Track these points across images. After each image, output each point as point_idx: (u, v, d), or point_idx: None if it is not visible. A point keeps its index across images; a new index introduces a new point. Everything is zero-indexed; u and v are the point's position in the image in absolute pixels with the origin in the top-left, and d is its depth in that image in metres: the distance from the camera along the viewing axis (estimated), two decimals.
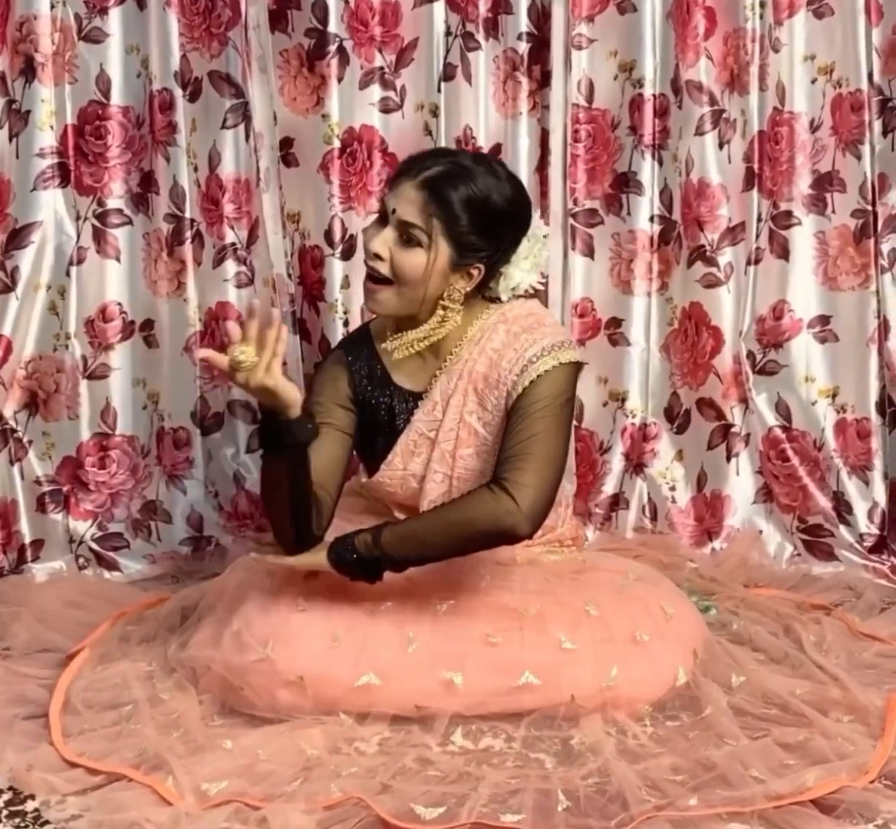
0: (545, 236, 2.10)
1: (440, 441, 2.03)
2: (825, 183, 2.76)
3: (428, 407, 2.05)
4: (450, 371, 2.03)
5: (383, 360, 2.08)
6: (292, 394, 1.77)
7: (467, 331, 2.03)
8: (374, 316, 2.15)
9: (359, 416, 2.08)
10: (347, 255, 2.80)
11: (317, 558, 1.86)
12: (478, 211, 1.92)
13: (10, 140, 2.64)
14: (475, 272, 1.97)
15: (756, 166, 2.77)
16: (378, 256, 1.94)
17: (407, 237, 1.92)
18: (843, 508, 2.74)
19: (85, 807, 1.56)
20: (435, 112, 2.78)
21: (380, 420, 2.08)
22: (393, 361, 2.05)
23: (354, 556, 1.83)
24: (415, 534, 1.85)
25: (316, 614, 1.83)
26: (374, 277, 1.96)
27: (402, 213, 1.91)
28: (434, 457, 2.03)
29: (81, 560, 2.67)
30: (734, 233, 2.78)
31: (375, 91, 2.79)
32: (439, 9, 2.76)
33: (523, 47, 2.77)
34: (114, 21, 2.69)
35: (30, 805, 1.58)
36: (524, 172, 2.77)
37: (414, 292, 1.95)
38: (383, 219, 1.96)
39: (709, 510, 2.83)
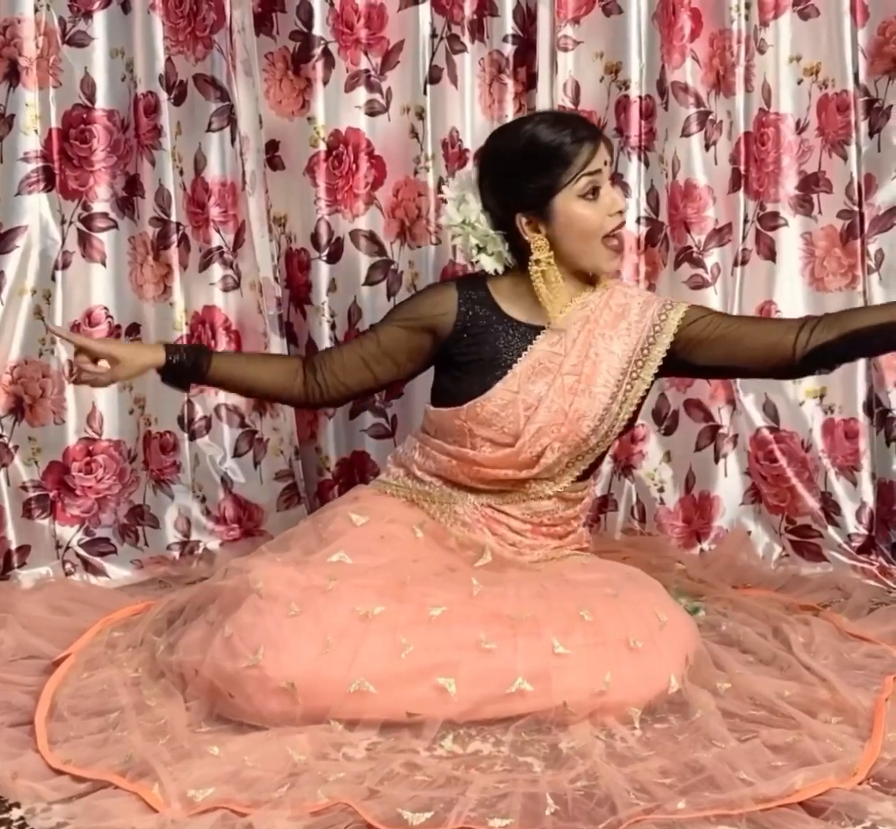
0: None
1: (564, 373, 2.09)
2: (811, 184, 2.77)
3: (553, 338, 2.12)
4: (572, 313, 2.12)
5: (495, 297, 2.16)
6: (141, 359, 2.13)
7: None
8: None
9: (449, 345, 2.15)
10: (333, 258, 2.80)
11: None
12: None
13: None
14: None
15: (742, 167, 2.78)
16: (621, 212, 2.10)
17: (614, 179, 2.22)
18: (831, 508, 2.75)
19: (71, 815, 1.55)
20: (421, 115, 2.78)
21: (485, 350, 2.13)
22: (506, 298, 2.14)
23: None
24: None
25: (307, 619, 1.81)
26: (619, 235, 2.11)
27: (608, 159, 2.09)
28: (553, 387, 2.09)
29: (68, 566, 2.66)
30: (721, 234, 2.78)
31: (361, 94, 2.79)
32: (425, 11, 2.76)
33: (509, 49, 2.77)
34: (98, 24, 2.69)
35: (15, 813, 1.57)
36: None
37: None
38: (592, 192, 2.05)
39: (697, 511, 2.83)
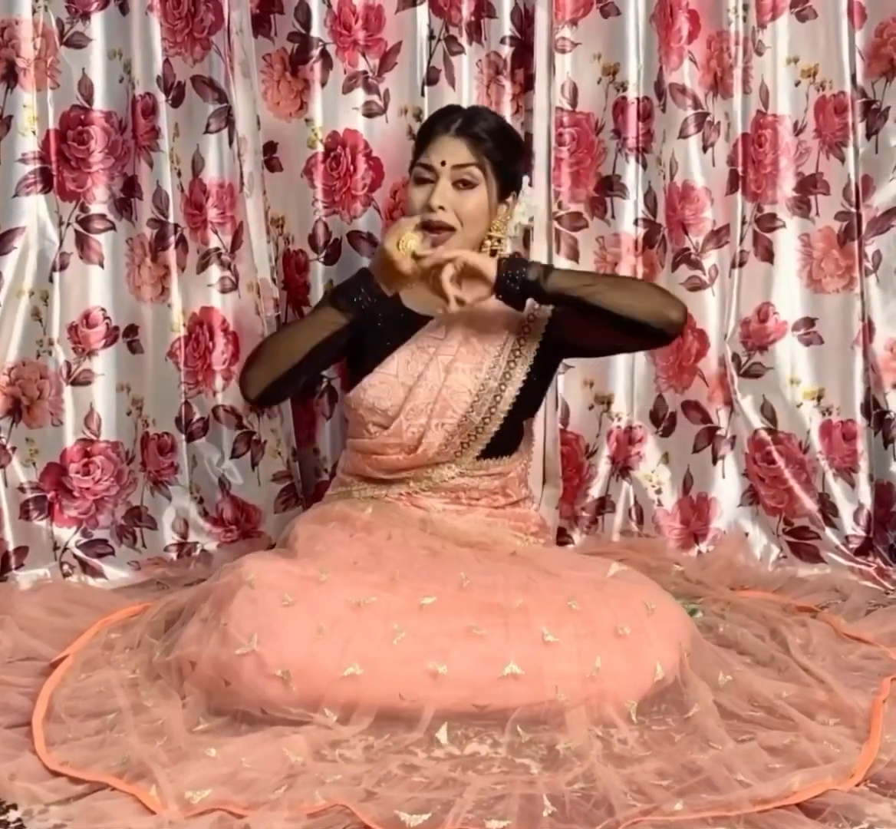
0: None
1: (439, 355, 2.23)
2: (809, 185, 2.77)
3: (433, 324, 2.26)
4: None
5: (403, 301, 2.30)
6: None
7: None
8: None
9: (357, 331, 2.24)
10: (331, 259, 2.80)
11: (486, 259, 2.13)
12: (505, 140, 2.27)
13: None
14: (510, 201, 2.28)
15: (740, 169, 2.78)
16: (442, 208, 2.18)
17: (463, 182, 2.20)
18: (828, 510, 2.75)
19: (68, 816, 1.55)
20: (419, 116, 2.77)
21: (379, 336, 2.25)
22: (412, 289, 2.25)
23: (523, 271, 2.09)
24: (587, 279, 2.15)
25: (301, 607, 1.83)
26: (437, 228, 2.18)
27: (454, 159, 2.19)
28: (430, 367, 2.22)
29: (66, 567, 2.66)
30: (718, 236, 2.78)
31: (359, 95, 2.79)
32: (423, 13, 2.76)
33: (507, 51, 2.78)
34: (96, 26, 2.68)
35: (12, 815, 1.56)
36: None
37: (475, 231, 2.23)
38: (424, 180, 2.21)
39: (695, 513, 2.83)
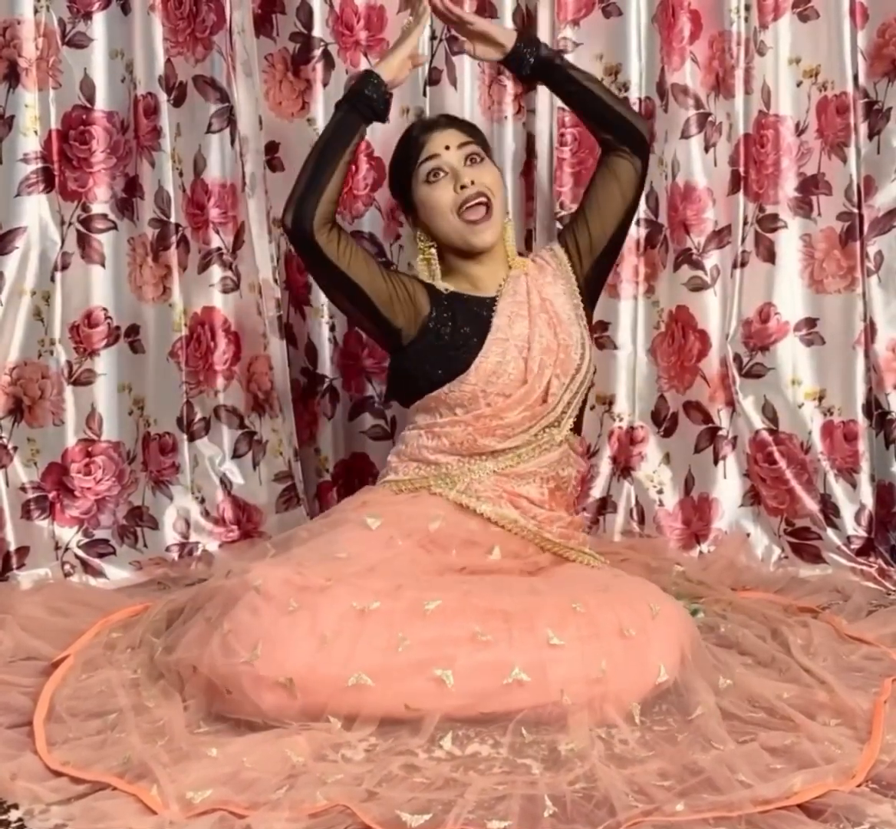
0: None
1: (536, 313, 2.25)
2: (811, 186, 2.77)
3: (509, 297, 2.27)
4: (512, 277, 2.29)
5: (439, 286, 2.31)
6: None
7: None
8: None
9: (423, 337, 2.25)
10: None
11: (502, 29, 2.32)
12: (480, 132, 2.35)
13: None
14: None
15: (742, 169, 2.78)
16: (472, 182, 2.20)
17: (473, 157, 2.24)
18: (830, 510, 2.74)
19: (69, 816, 1.55)
20: (421, 116, 2.78)
21: (459, 324, 2.24)
22: (456, 283, 2.30)
23: (537, 46, 2.26)
24: (583, 73, 2.32)
25: (304, 616, 1.82)
26: (484, 206, 2.22)
27: (456, 140, 2.24)
28: (536, 325, 2.24)
29: (67, 567, 2.66)
30: (720, 236, 2.78)
31: None
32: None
33: None
34: (98, 26, 2.69)
35: (13, 815, 1.56)
36: (510, 177, 2.78)
37: (502, 204, 2.28)
38: (435, 177, 2.22)
39: (696, 513, 2.83)
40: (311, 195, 2.15)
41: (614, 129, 2.30)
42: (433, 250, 2.28)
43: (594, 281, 2.37)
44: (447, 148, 2.22)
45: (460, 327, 2.24)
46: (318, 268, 2.24)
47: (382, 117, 2.22)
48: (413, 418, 2.29)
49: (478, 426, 2.20)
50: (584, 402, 2.32)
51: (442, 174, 2.22)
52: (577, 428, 2.31)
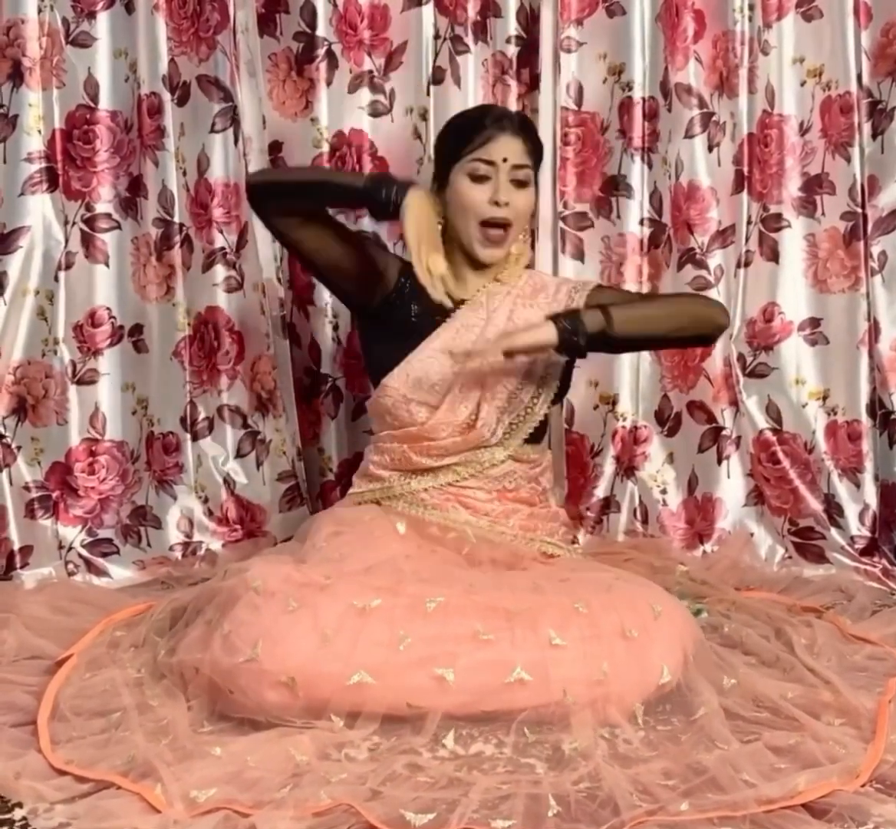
0: None
1: (486, 332, 2.21)
2: (815, 185, 2.77)
3: (474, 307, 2.26)
4: (492, 288, 2.27)
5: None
6: None
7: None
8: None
9: (381, 305, 2.27)
10: None
11: (540, 333, 2.05)
12: (540, 147, 2.30)
13: None
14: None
15: (746, 169, 2.78)
16: (507, 204, 2.18)
17: (518, 181, 2.20)
18: (834, 510, 2.74)
19: (73, 815, 1.55)
20: (424, 115, 2.78)
21: (412, 312, 2.24)
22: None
23: (583, 328, 2.04)
24: (642, 314, 2.14)
25: (305, 614, 1.82)
26: (499, 225, 2.20)
27: (515, 158, 2.19)
28: (478, 342, 2.19)
29: (71, 566, 2.66)
30: (724, 236, 2.78)
31: (364, 95, 2.80)
32: (428, 12, 2.77)
33: (512, 51, 2.78)
34: (102, 25, 2.69)
35: (17, 813, 1.56)
36: None
37: (521, 229, 2.27)
38: (481, 177, 2.19)
39: (700, 513, 2.83)
40: (278, 202, 2.20)
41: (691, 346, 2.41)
42: (439, 227, 2.23)
43: None
44: (504, 160, 2.18)
45: (412, 313, 2.25)
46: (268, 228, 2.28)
47: (380, 216, 2.18)
48: (372, 428, 2.36)
49: (411, 444, 2.22)
50: (545, 421, 2.27)
51: (487, 181, 2.19)
52: (530, 440, 2.26)
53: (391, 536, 2.14)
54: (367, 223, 2.81)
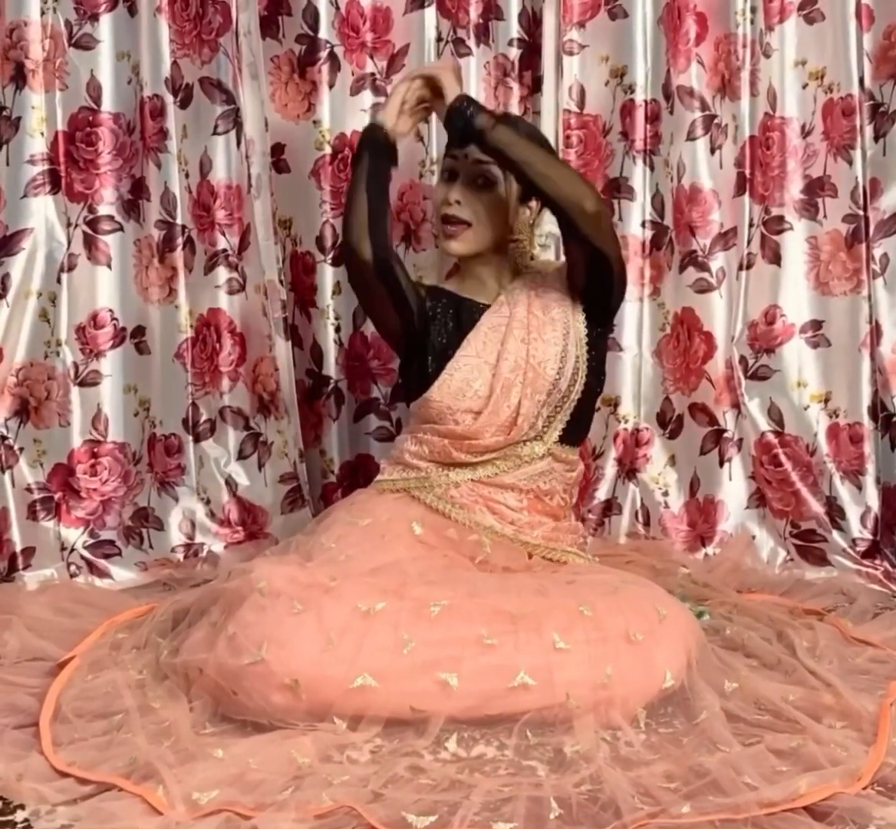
0: None
1: (513, 330, 2.25)
2: (817, 188, 2.77)
3: (497, 308, 2.30)
4: (512, 289, 2.31)
5: (448, 284, 2.42)
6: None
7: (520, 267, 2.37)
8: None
9: (418, 330, 2.31)
10: (339, 261, 2.80)
11: (453, 82, 2.19)
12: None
13: (1, 147, 2.65)
14: (535, 204, 2.31)
15: (747, 171, 2.78)
16: (457, 202, 2.24)
17: (483, 180, 2.24)
18: (835, 513, 2.74)
19: (75, 817, 1.55)
20: (426, 118, 2.77)
21: (442, 330, 2.30)
22: (458, 282, 2.38)
23: (471, 114, 2.13)
24: (524, 145, 2.16)
25: (310, 616, 1.82)
26: (452, 221, 2.25)
27: (476, 153, 2.21)
28: (508, 342, 2.24)
29: (72, 568, 2.66)
30: (726, 238, 2.78)
31: (367, 97, 2.80)
32: (430, 15, 2.77)
33: (514, 53, 2.78)
34: (104, 27, 2.69)
35: (19, 815, 1.56)
36: None
37: (492, 231, 2.27)
38: (452, 176, 2.26)
39: (702, 515, 2.83)
40: (355, 228, 2.23)
41: (554, 212, 2.22)
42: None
43: (596, 290, 2.28)
44: (466, 156, 2.24)
45: (448, 326, 2.30)
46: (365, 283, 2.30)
47: (384, 153, 2.23)
48: (411, 420, 2.35)
49: (452, 441, 2.23)
50: (578, 412, 2.28)
51: (452, 179, 2.26)
52: (568, 439, 2.29)
53: (403, 538, 2.14)
54: None
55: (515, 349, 2.23)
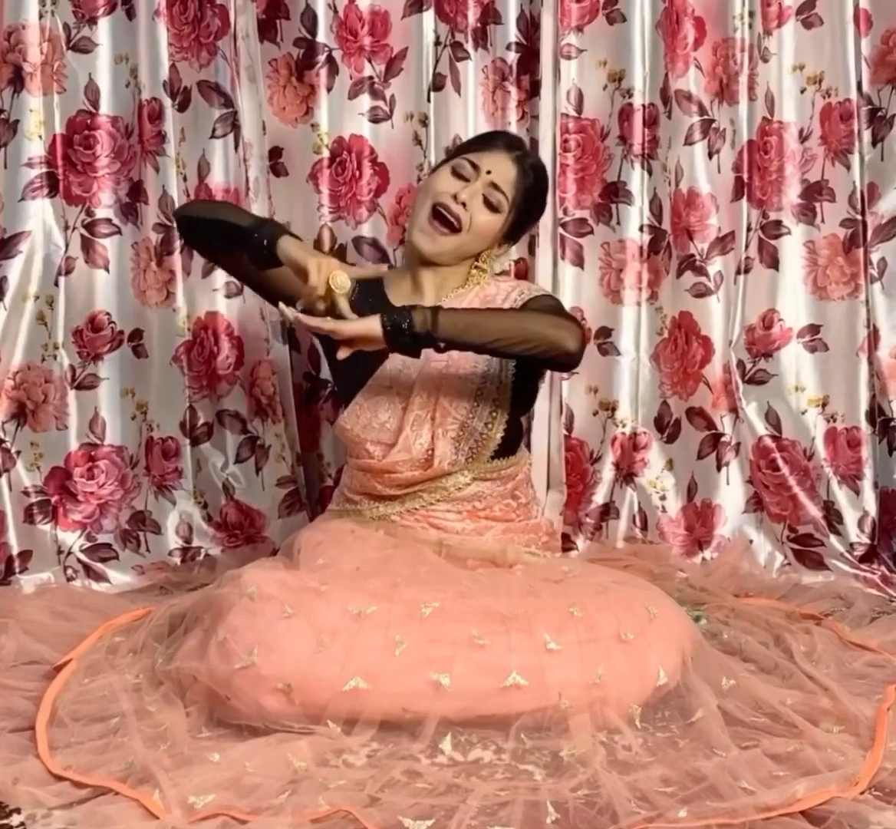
0: None
1: (431, 361, 2.16)
2: (815, 192, 2.77)
3: None
4: (454, 293, 2.24)
5: (386, 287, 2.28)
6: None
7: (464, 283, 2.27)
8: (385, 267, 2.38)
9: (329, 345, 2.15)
10: None
11: (365, 323, 1.97)
12: (540, 203, 2.31)
13: None
14: (506, 246, 2.31)
15: (745, 176, 2.78)
16: (465, 205, 2.17)
17: (488, 200, 2.18)
18: (833, 517, 2.74)
19: (71, 821, 1.55)
20: (424, 122, 2.78)
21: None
22: (393, 287, 2.27)
23: (408, 326, 1.95)
24: (474, 322, 2.01)
25: (300, 619, 1.81)
26: (447, 223, 2.17)
27: (496, 178, 2.19)
28: (423, 374, 2.16)
29: (69, 571, 2.66)
30: (724, 242, 2.78)
31: (365, 101, 2.80)
32: (428, 19, 2.77)
33: (512, 57, 2.78)
34: (103, 30, 2.69)
35: (15, 819, 1.56)
36: None
37: (471, 246, 2.22)
38: (460, 175, 2.19)
39: (699, 520, 2.83)
40: (194, 235, 2.22)
41: (539, 365, 2.19)
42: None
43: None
44: (488, 173, 2.18)
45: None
46: None
47: (256, 257, 2.08)
48: None
49: (372, 475, 2.22)
50: (509, 433, 2.21)
51: (460, 179, 2.19)
52: (499, 455, 2.22)
53: (370, 538, 2.15)
54: (366, 229, 2.82)
55: (429, 385, 2.17)
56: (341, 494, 2.33)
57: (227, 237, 2.13)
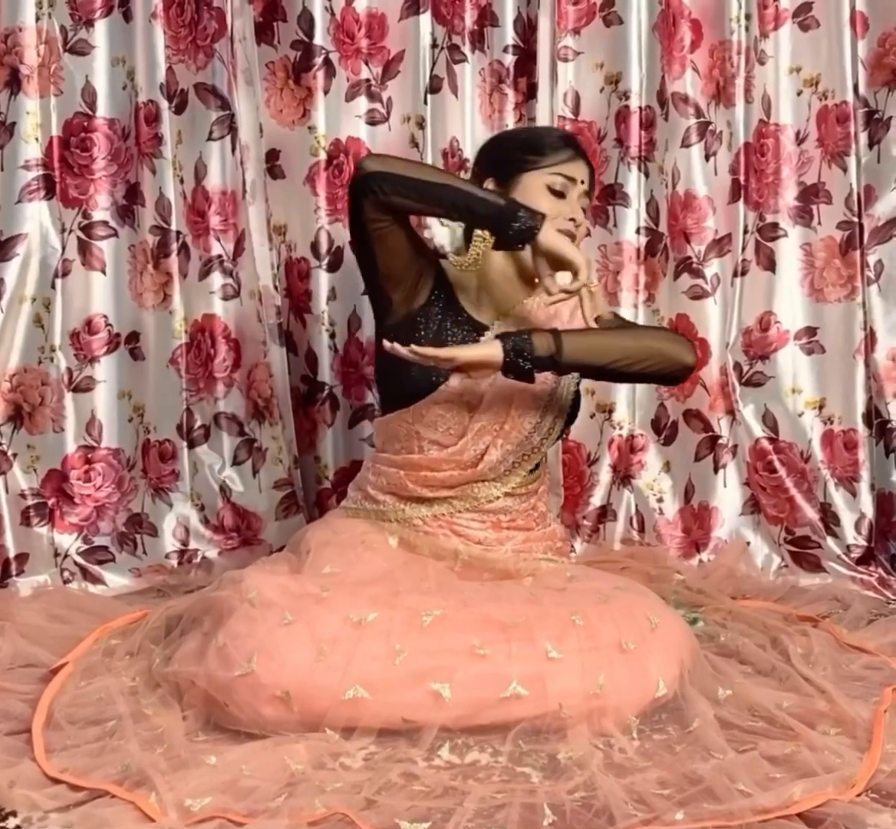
0: None
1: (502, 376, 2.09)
2: (811, 195, 2.77)
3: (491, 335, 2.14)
4: (519, 311, 2.19)
5: (453, 285, 2.20)
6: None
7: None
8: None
9: (408, 330, 2.14)
10: (333, 267, 2.80)
11: (485, 349, 1.96)
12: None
13: None
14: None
15: (742, 178, 2.78)
16: (578, 226, 2.13)
17: (583, 208, 2.16)
18: (830, 519, 2.74)
19: (67, 824, 1.54)
20: (421, 124, 2.79)
21: (431, 334, 2.14)
22: (462, 289, 2.20)
23: (530, 350, 1.94)
24: (596, 343, 2.00)
25: (301, 627, 1.81)
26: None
27: (587, 183, 2.17)
28: (496, 385, 2.10)
29: (66, 574, 2.66)
30: (720, 245, 2.78)
31: (362, 103, 2.80)
32: (425, 21, 2.77)
33: (509, 60, 2.78)
34: (100, 33, 2.69)
35: (11, 822, 1.56)
36: None
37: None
38: (559, 192, 2.12)
39: (696, 522, 2.83)
40: (389, 195, 2.00)
41: (654, 382, 2.29)
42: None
43: None
44: (581, 182, 2.15)
45: (442, 331, 2.15)
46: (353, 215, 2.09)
47: (509, 241, 2.02)
48: (374, 440, 2.31)
49: (408, 471, 2.18)
50: (540, 451, 2.20)
51: (561, 198, 2.13)
52: (529, 474, 2.20)
53: (381, 548, 2.13)
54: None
55: (501, 397, 2.13)
56: (361, 491, 2.26)
57: (447, 207, 2.01)
